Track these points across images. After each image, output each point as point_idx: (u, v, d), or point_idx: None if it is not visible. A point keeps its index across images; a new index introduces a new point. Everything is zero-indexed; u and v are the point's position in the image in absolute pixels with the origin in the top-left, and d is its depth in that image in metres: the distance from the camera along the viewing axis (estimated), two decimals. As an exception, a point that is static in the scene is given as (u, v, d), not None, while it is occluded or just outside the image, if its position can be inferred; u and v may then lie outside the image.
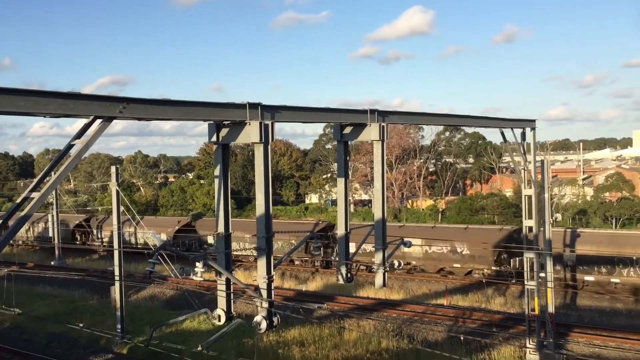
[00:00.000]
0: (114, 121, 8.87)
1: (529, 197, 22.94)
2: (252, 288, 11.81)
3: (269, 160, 11.27)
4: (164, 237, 47.66)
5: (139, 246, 49.14)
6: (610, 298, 32.59)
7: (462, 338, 24.20)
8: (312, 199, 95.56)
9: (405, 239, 18.13)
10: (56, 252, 49.03)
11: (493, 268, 36.22)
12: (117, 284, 27.03)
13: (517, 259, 35.71)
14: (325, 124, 76.16)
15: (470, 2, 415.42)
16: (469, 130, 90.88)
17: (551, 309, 22.12)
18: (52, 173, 9.12)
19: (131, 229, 48.82)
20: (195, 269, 11.20)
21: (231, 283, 12.17)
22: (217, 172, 11.83)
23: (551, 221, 23.04)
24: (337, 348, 23.86)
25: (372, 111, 14.07)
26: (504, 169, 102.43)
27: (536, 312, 22.13)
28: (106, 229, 52.32)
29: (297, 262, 43.63)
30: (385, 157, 14.70)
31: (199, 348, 12.73)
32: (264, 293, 11.53)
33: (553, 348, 22.26)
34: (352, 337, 25.03)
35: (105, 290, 33.25)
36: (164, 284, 37.13)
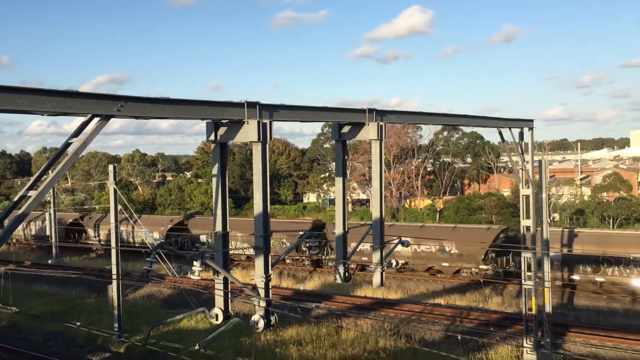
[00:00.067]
0: (112, 119, 8.84)
1: (527, 197, 22.97)
2: (250, 287, 11.80)
3: (267, 159, 11.25)
4: (156, 235, 47.68)
5: (136, 245, 49.13)
6: (607, 298, 32.66)
7: (459, 337, 24.21)
8: (310, 198, 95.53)
9: (402, 239, 18.08)
10: (53, 250, 48.96)
11: (481, 267, 36.62)
12: (114, 283, 27.01)
13: (505, 257, 36.29)
14: (323, 123, 76.19)
15: (469, 1, 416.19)
16: (467, 130, 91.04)
17: (548, 308, 22.16)
18: (50, 171, 9.09)
19: (128, 227, 48.79)
20: (193, 268, 11.18)
21: (229, 282, 12.16)
22: (215, 171, 11.81)
23: (549, 221, 23.08)
24: (334, 347, 23.86)
25: (371, 110, 14.05)
26: (501, 169, 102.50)
27: (533, 311, 22.17)
28: (103, 227, 52.27)
29: (288, 261, 43.78)
30: (383, 157, 14.69)
31: (197, 347, 12.71)
32: (262, 292, 11.52)
33: (550, 348, 22.29)
34: (349, 336, 25.03)
35: (102, 289, 33.23)
36: (162, 282, 37.11)
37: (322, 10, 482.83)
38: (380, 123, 14.14)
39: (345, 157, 15.07)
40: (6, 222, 8.07)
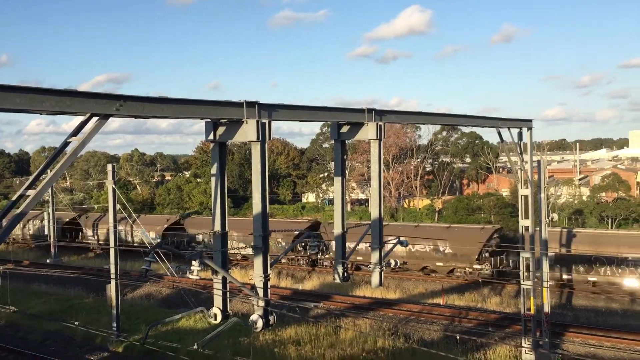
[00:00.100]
0: (111, 119, 8.84)
1: (526, 197, 22.98)
2: (249, 287, 11.80)
3: (266, 159, 11.24)
4: (152, 235, 47.72)
5: (135, 244, 49.13)
6: (605, 298, 32.70)
7: (458, 337, 24.25)
8: (309, 198, 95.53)
9: (401, 239, 18.07)
10: (52, 249, 48.91)
11: (475, 266, 36.81)
12: (113, 282, 26.98)
13: (499, 257, 36.52)
14: (322, 122, 76.15)
15: (468, 1, 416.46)
16: (466, 130, 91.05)
17: (547, 308, 22.17)
18: (48, 171, 9.08)
19: (127, 227, 48.79)
20: (192, 268, 11.17)
21: (227, 281, 12.15)
22: (214, 170, 11.80)
23: (547, 221, 23.09)
24: (333, 347, 23.86)
25: (370, 110, 14.05)
26: (500, 169, 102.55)
27: (532, 311, 22.18)
28: (101, 227, 52.24)
29: (283, 261, 43.92)
30: (382, 156, 14.69)
31: (195, 347, 12.70)
32: (260, 292, 11.51)
33: (549, 347, 22.30)
34: (348, 336, 25.04)
35: (101, 289, 33.20)
36: (160, 282, 37.10)
37: (321, 10, 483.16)
38: (379, 123, 14.14)
39: (344, 157, 15.06)
40: (4, 221, 8.06)
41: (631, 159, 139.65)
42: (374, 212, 14.89)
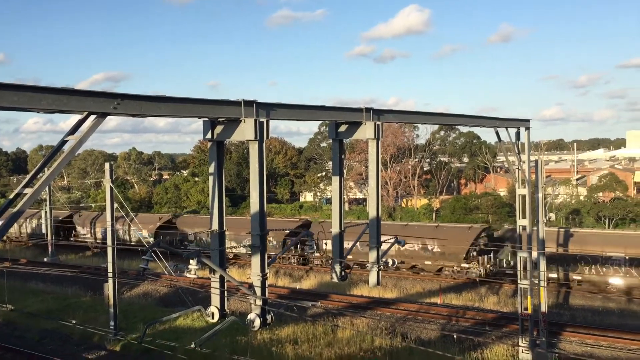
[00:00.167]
0: (108, 117, 8.84)
1: (523, 196, 23.02)
2: (246, 286, 11.81)
3: (263, 158, 11.26)
4: (145, 233, 47.71)
5: (132, 243, 49.10)
6: (602, 298, 32.80)
7: (455, 336, 24.29)
8: (307, 197, 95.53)
9: (399, 238, 18.11)
10: (49, 248, 48.83)
11: (462, 265, 37.21)
12: (110, 281, 26.95)
13: (487, 256, 37.10)
14: (320, 122, 76.21)
15: (467, 1, 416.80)
16: (464, 129, 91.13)
17: (544, 308, 22.21)
18: (46, 169, 9.07)
19: (125, 226, 48.75)
20: (189, 267, 11.18)
21: (225, 280, 12.16)
22: (211, 169, 11.81)
23: (545, 220, 23.13)
24: (330, 346, 23.87)
25: (368, 110, 14.06)
26: (498, 169, 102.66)
27: (529, 311, 22.22)
28: (98, 225, 52.20)
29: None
30: (380, 156, 14.71)
31: (192, 345, 12.70)
32: (258, 291, 11.53)
33: (545, 347, 22.35)
34: (345, 335, 25.05)
35: (98, 287, 33.18)
36: (158, 281, 37.09)
37: (319, 10, 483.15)
38: (377, 122, 14.16)
39: (342, 156, 15.08)
40: (2, 219, 8.05)
41: (628, 159, 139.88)
42: (371, 211, 14.92)
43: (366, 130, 14.16)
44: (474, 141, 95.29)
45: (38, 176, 8.97)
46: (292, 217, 58.10)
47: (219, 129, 11.51)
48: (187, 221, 50.22)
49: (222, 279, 12.05)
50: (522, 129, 22.50)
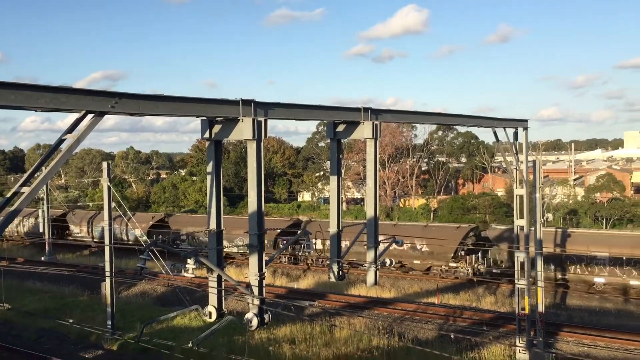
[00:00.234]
0: (106, 116, 8.82)
1: (521, 196, 23.05)
2: (244, 285, 11.80)
3: (261, 158, 11.25)
4: (138, 232, 47.68)
5: (129, 242, 49.04)
6: (599, 298, 32.86)
7: (452, 336, 24.30)
8: (305, 196, 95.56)
9: (397, 238, 18.14)
10: (46, 247, 48.75)
11: (450, 264, 37.61)
12: (107, 280, 26.91)
13: (475, 255, 37.52)
14: (318, 121, 76.18)
15: (465, 1, 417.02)
16: (462, 129, 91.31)
17: (541, 308, 22.24)
18: (43, 168, 9.06)
19: (122, 225, 48.69)
20: (187, 266, 11.17)
21: (222, 280, 12.15)
22: (209, 168, 11.80)
23: (542, 221, 23.17)
24: (327, 346, 23.88)
25: (366, 109, 14.06)
26: (496, 169, 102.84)
27: (526, 311, 22.25)
28: (96, 224, 52.11)
29: (266, 258, 44.15)
30: (378, 156, 14.71)
31: (190, 345, 12.69)
32: (255, 290, 11.52)
33: (542, 347, 22.38)
34: (343, 335, 25.06)
35: (95, 286, 33.13)
36: (155, 280, 37.04)
37: (318, 9, 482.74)
38: (375, 122, 14.16)
39: (340, 156, 15.08)
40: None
41: (626, 160, 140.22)
42: (369, 211, 14.93)
43: (364, 130, 14.16)
44: (472, 141, 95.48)
45: (35, 175, 8.96)
46: (282, 216, 57.96)
47: (217, 128, 11.49)
48: (180, 220, 50.29)
49: (219, 278, 12.05)
50: (520, 129, 22.53)
